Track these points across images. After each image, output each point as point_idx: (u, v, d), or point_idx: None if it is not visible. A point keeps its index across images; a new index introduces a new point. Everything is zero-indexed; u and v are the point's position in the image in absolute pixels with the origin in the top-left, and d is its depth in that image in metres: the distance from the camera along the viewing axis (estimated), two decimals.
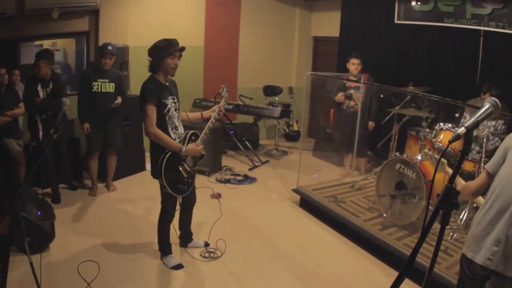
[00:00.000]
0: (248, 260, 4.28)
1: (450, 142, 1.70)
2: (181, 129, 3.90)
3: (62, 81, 5.52)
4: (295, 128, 9.09)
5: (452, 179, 1.72)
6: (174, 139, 3.76)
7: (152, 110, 3.63)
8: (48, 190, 5.59)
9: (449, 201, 1.68)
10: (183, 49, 3.78)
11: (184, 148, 3.71)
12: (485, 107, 1.87)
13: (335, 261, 4.34)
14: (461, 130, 1.74)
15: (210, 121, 4.00)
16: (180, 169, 3.76)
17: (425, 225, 1.67)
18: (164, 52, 3.66)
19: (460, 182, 2.67)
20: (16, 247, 4.09)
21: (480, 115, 1.84)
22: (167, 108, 3.73)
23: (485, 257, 2.35)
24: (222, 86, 4.22)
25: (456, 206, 1.69)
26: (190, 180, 3.93)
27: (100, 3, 6.71)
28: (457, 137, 1.70)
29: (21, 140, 5.49)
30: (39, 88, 5.29)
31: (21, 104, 5.37)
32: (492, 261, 2.32)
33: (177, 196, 3.90)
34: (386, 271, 4.13)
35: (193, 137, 3.89)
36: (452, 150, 4.61)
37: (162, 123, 3.70)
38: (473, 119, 1.81)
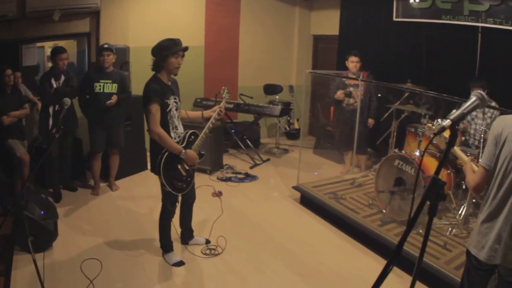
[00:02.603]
0: (249, 257, 4.33)
1: (436, 134, 1.70)
2: (180, 129, 3.95)
3: (71, 73, 5.71)
4: (296, 126, 9.13)
5: (438, 170, 1.71)
6: (174, 138, 3.81)
7: (156, 110, 3.67)
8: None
9: (435, 192, 1.67)
10: (186, 48, 3.82)
11: (184, 151, 3.77)
12: (471, 100, 1.88)
13: (335, 256, 4.38)
14: (447, 122, 1.75)
15: (210, 121, 4.04)
16: (179, 167, 3.82)
17: (411, 216, 1.68)
18: (168, 51, 3.70)
19: (470, 172, 2.62)
20: (19, 247, 4.14)
21: (466, 107, 1.84)
22: (169, 108, 3.77)
23: (488, 255, 2.36)
24: (223, 87, 4.29)
25: (442, 197, 1.68)
26: (189, 178, 3.98)
27: (100, 4, 6.78)
28: (442, 129, 1.70)
29: (25, 141, 5.55)
30: (52, 81, 5.42)
31: (26, 105, 5.45)
32: (495, 257, 2.33)
33: (177, 194, 3.95)
34: (379, 261, 4.18)
35: (192, 137, 3.94)
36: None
37: (164, 123, 3.75)
38: (458, 111, 1.81)
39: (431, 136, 1.68)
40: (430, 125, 3.81)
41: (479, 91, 1.90)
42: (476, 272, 2.49)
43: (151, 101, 3.64)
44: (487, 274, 2.49)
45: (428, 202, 1.66)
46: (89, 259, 4.06)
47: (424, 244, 1.69)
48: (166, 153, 3.72)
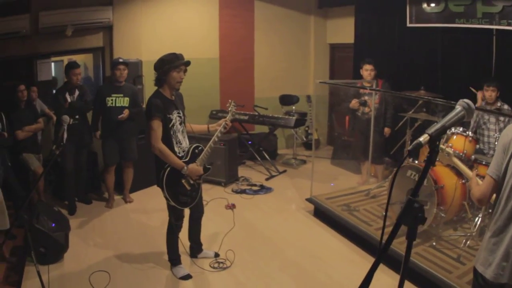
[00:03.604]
0: (256, 270, 4.27)
1: (410, 151, 1.56)
2: (185, 143, 3.93)
3: (85, 87, 5.79)
4: (315, 136, 9.03)
5: (415, 191, 1.59)
6: (178, 153, 3.80)
7: (157, 125, 3.67)
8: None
9: (411, 215, 1.55)
10: (188, 63, 3.81)
11: (186, 168, 3.75)
12: (456, 111, 1.72)
13: (345, 270, 4.29)
14: (424, 137, 1.58)
15: (215, 134, 4.02)
16: (183, 181, 3.80)
17: (381, 245, 1.58)
18: (169, 65, 3.70)
19: (474, 185, 2.49)
20: (30, 258, 4.20)
21: (449, 120, 1.68)
22: (172, 123, 3.77)
23: (495, 273, 2.22)
24: (230, 100, 4.26)
25: (421, 221, 1.55)
26: (194, 193, 3.95)
27: (113, 19, 6.87)
28: (418, 146, 1.54)
29: (40, 155, 5.65)
30: (67, 95, 5.49)
31: (40, 120, 5.56)
32: (503, 276, 2.19)
33: (182, 208, 3.94)
34: (396, 279, 4.01)
35: (196, 151, 3.92)
36: (463, 155, 4.51)
37: (167, 138, 3.74)
38: (439, 124, 1.64)
39: (407, 152, 1.52)
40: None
41: (465, 100, 1.74)
42: None
43: (152, 117, 3.64)
44: None
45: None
46: (98, 271, 4.10)
47: (405, 270, 1.58)
48: (169, 168, 3.72)
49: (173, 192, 3.77)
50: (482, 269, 2.30)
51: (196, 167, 3.84)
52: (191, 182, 3.88)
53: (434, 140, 1.59)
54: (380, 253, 1.57)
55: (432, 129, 1.61)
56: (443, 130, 1.63)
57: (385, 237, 1.55)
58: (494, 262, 2.24)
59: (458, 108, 1.73)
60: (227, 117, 4.14)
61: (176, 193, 3.79)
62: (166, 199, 3.80)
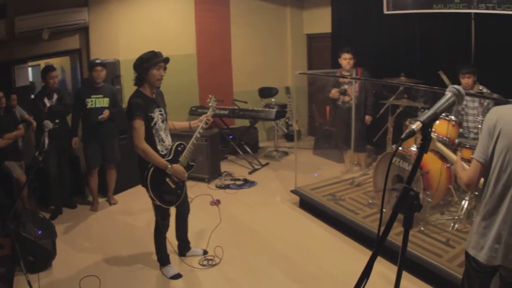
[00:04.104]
0: (246, 266, 4.26)
1: (403, 140, 1.53)
2: (168, 141, 3.88)
3: (63, 91, 5.71)
4: (296, 128, 9.03)
5: (410, 180, 1.57)
6: (161, 151, 3.75)
7: (140, 125, 3.61)
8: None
9: (407, 204, 1.54)
10: (167, 60, 3.77)
11: (170, 166, 3.71)
12: (446, 97, 1.70)
13: (334, 260, 4.30)
14: (416, 125, 1.55)
15: (197, 131, 3.99)
16: (167, 180, 3.76)
17: (379, 235, 1.56)
18: (149, 63, 3.64)
19: (460, 169, 2.48)
20: (19, 267, 4.12)
21: (440, 106, 1.66)
22: (154, 122, 3.71)
23: (488, 256, 2.23)
24: (210, 95, 4.25)
25: (417, 208, 1.54)
26: (179, 191, 3.91)
27: (89, 20, 6.75)
28: (411, 134, 1.52)
29: (22, 162, 5.53)
30: (45, 100, 5.40)
31: (21, 126, 5.44)
32: (496, 258, 2.21)
33: (168, 207, 3.89)
34: (387, 266, 4.05)
35: (179, 148, 3.88)
36: (447, 139, 4.55)
37: (150, 137, 3.69)
38: (431, 111, 1.61)
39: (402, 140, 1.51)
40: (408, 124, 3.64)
41: (455, 86, 1.73)
42: (477, 275, 2.36)
43: (134, 116, 3.58)
44: (488, 276, 2.36)
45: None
46: (88, 276, 4.04)
47: (402, 260, 1.57)
48: (153, 168, 3.66)
49: (158, 191, 3.72)
50: (474, 253, 2.31)
51: (179, 167, 3.81)
52: (176, 180, 3.84)
53: (427, 127, 1.57)
54: (378, 244, 1.54)
55: (424, 116, 1.58)
56: (435, 117, 1.60)
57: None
58: (486, 245, 2.25)
59: (448, 94, 1.71)
60: (208, 113, 4.12)
61: (161, 192, 3.74)
62: (152, 199, 3.74)
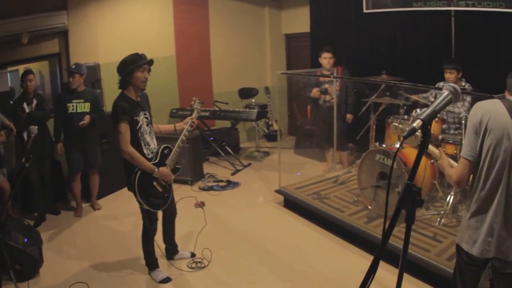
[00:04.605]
0: (235, 267, 4.24)
1: (405, 137, 1.57)
2: (153, 144, 3.85)
3: (43, 96, 5.63)
4: (276, 127, 9.06)
5: (411, 176, 1.59)
6: (147, 155, 3.71)
7: (125, 129, 3.57)
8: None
9: (410, 199, 1.57)
10: (151, 62, 3.73)
11: (157, 170, 3.68)
12: (444, 95, 1.74)
13: (323, 258, 4.32)
14: (417, 123, 1.58)
15: (183, 133, 3.97)
16: (155, 183, 3.73)
17: (385, 228, 1.58)
18: (133, 66, 3.60)
19: (448, 167, 2.51)
20: (8, 277, 4.04)
21: (438, 104, 1.70)
22: (139, 125, 3.67)
23: (481, 249, 2.27)
24: (194, 98, 4.23)
25: (419, 203, 1.57)
26: (166, 194, 3.89)
27: (68, 23, 6.65)
28: (412, 132, 1.56)
29: (4, 168, 5.41)
30: (24, 105, 5.31)
31: (2, 132, 5.31)
32: (489, 250, 2.25)
33: (156, 211, 3.86)
34: (384, 268, 4.09)
35: (165, 151, 3.85)
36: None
37: (135, 141, 3.65)
38: (429, 109, 1.65)
39: (401, 139, 1.53)
40: (396, 123, 3.66)
41: (451, 84, 1.77)
42: (469, 268, 2.41)
43: (119, 120, 3.54)
44: (480, 269, 2.41)
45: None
46: (77, 283, 3.97)
47: (405, 255, 1.59)
48: (139, 172, 3.63)
49: (145, 195, 3.68)
50: (467, 247, 2.34)
51: (166, 171, 3.78)
52: (163, 183, 3.81)
53: (426, 125, 1.60)
54: (382, 244, 1.56)
55: (424, 114, 1.63)
56: (434, 115, 1.65)
57: (379, 230, 1.54)
58: (479, 239, 2.29)
59: (445, 92, 1.75)
60: (193, 115, 4.10)
61: (148, 196, 3.71)
62: (139, 203, 3.70)
